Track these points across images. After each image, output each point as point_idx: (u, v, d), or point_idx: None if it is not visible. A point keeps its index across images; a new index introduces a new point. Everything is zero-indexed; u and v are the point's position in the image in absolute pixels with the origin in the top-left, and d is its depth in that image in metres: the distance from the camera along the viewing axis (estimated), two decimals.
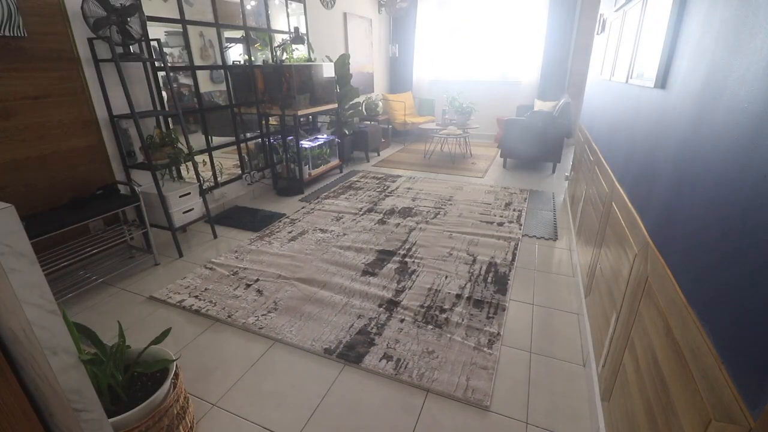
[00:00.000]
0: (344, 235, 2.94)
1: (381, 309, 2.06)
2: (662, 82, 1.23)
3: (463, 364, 1.68)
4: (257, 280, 2.34)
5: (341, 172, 4.70)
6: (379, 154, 5.61)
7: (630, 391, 1.05)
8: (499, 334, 1.86)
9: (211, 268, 2.48)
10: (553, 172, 4.61)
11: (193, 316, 2.03)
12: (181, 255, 2.64)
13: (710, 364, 0.68)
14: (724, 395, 0.63)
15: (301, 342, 1.82)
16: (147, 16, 2.52)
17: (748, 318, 0.61)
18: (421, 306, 2.08)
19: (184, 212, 2.69)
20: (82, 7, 2.13)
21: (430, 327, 1.92)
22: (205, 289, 2.25)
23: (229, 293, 2.20)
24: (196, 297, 2.17)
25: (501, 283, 2.28)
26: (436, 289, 2.23)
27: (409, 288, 2.25)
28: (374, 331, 1.89)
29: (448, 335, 1.86)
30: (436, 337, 1.85)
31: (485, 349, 1.76)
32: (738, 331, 0.63)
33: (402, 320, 1.97)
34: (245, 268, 2.47)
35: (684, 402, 0.75)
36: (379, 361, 1.70)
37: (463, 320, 1.96)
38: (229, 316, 2.00)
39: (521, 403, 1.50)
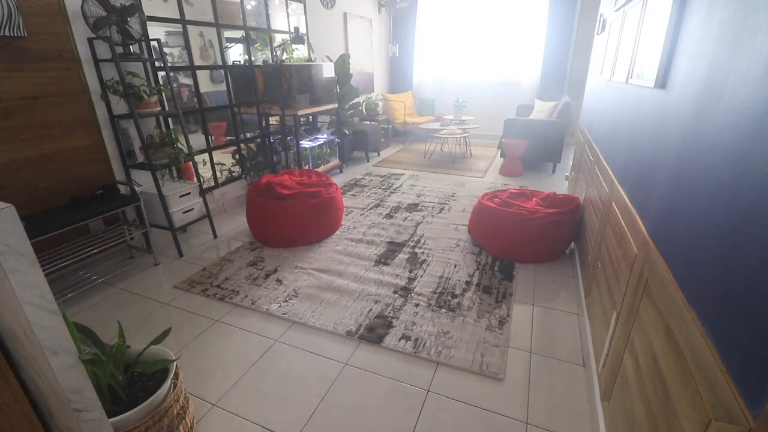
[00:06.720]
0: (354, 228, 3.05)
1: (396, 295, 2.17)
2: (662, 82, 1.23)
3: (476, 343, 1.79)
4: (276, 270, 2.43)
5: (341, 172, 4.70)
6: (379, 154, 5.60)
7: (630, 391, 1.05)
8: (508, 316, 1.98)
9: (229, 260, 2.57)
10: (553, 172, 4.61)
11: (216, 302, 2.14)
12: (181, 255, 2.64)
13: (710, 364, 0.68)
14: (724, 395, 0.63)
15: (323, 325, 1.92)
16: (147, 16, 2.52)
17: (748, 318, 0.61)
18: (434, 292, 2.19)
19: (184, 212, 2.69)
20: (82, 7, 2.12)
21: (443, 311, 2.03)
22: (226, 278, 2.35)
23: (250, 282, 2.31)
24: (218, 286, 2.27)
25: (507, 271, 2.40)
26: (446, 277, 2.34)
27: (421, 276, 2.35)
28: (391, 314, 2.00)
29: (461, 318, 1.97)
30: (450, 320, 1.96)
31: (496, 329, 1.88)
32: (738, 331, 0.63)
33: (417, 305, 2.08)
34: (263, 259, 2.58)
35: (684, 402, 0.75)
36: (399, 341, 1.81)
37: (473, 304, 2.08)
38: (252, 303, 2.10)
39: (521, 402, 1.50)
